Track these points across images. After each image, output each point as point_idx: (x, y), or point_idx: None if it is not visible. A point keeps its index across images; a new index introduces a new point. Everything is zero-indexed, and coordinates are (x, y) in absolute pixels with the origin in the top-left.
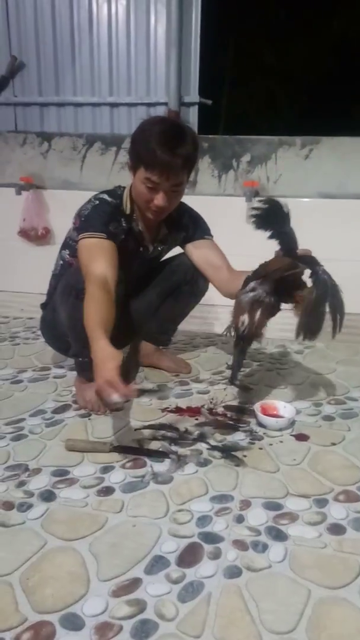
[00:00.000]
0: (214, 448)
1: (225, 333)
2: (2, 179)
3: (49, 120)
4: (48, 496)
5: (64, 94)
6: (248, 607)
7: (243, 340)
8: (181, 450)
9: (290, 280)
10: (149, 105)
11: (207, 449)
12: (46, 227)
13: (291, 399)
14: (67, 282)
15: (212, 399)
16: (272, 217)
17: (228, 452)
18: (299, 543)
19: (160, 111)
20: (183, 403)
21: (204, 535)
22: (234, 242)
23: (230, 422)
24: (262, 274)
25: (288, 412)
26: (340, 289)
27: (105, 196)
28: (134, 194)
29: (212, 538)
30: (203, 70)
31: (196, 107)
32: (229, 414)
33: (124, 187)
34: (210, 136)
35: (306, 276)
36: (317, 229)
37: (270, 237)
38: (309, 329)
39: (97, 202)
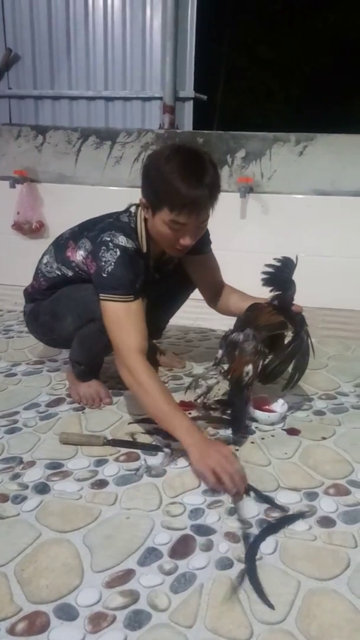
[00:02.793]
0: None
1: (217, 368)
2: None
3: (44, 114)
4: (42, 488)
5: (59, 87)
6: (239, 598)
7: (246, 388)
8: (174, 444)
9: (275, 337)
10: (144, 99)
11: None
12: (40, 221)
13: (283, 394)
14: (86, 307)
15: (206, 393)
16: (281, 278)
17: None
18: (290, 535)
19: (156, 106)
20: (176, 397)
21: (196, 527)
22: (228, 238)
23: (223, 416)
24: (252, 324)
25: (280, 407)
26: (312, 352)
27: (123, 241)
28: (154, 234)
29: (204, 530)
30: (198, 64)
31: (191, 102)
32: (221, 408)
33: (134, 216)
34: (205, 132)
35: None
36: (310, 225)
37: (273, 299)
38: (268, 375)
39: (118, 252)
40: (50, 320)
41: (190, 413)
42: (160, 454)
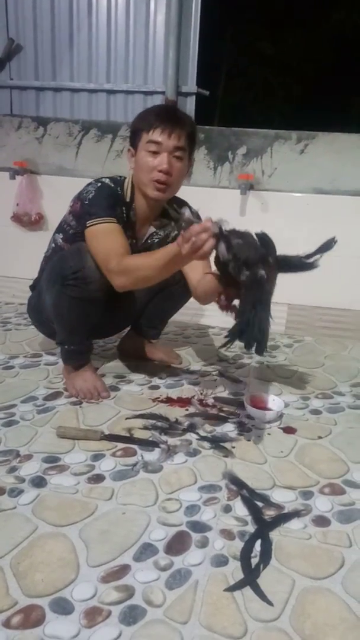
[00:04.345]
0: (203, 438)
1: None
2: None
3: (45, 105)
4: (39, 482)
5: (60, 78)
6: (234, 595)
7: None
8: (171, 440)
9: None
10: (146, 93)
11: (197, 439)
12: (39, 213)
13: (280, 392)
14: (53, 269)
15: (203, 390)
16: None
17: (217, 442)
18: (285, 534)
19: (158, 100)
20: (174, 394)
21: (192, 524)
22: None
23: (220, 414)
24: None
25: (277, 405)
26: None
27: (107, 180)
28: (136, 173)
29: (200, 527)
30: (200, 59)
31: (193, 97)
32: (218, 405)
33: (125, 177)
34: (206, 127)
35: None
36: (309, 223)
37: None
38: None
39: (99, 184)
40: (38, 300)
41: (187, 409)
42: (157, 449)
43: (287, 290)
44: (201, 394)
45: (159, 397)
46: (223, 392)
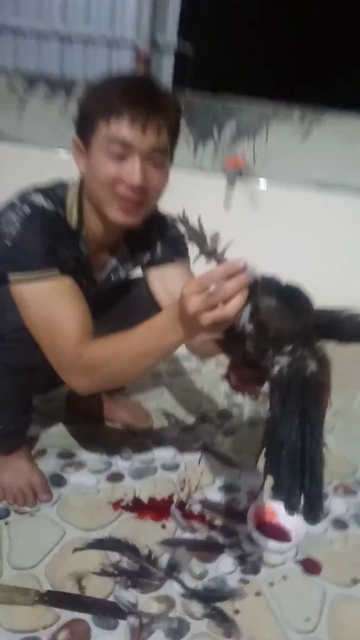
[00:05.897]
0: (191, 594)
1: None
2: None
3: None
4: None
5: (2, 13)
6: None
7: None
8: (143, 602)
9: None
10: (110, 43)
11: (182, 594)
12: None
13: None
14: None
15: (183, 482)
16: None
17: (212, 602)
18: None
19: (125, 54)
20: (144, 489)
21: None
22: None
23: (212, 540)
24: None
25: (296, 528)
26: None
27: (40, 199)
28: (91, 183)
29: None
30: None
31: (171, 53)
32: (207, 515)
33: (67, 185)
34: (186, 94)
35: None
36: (308, 225)
37: None
38: None
39: (28, 209)
40: None
41: (164, 526)
42: (123, 624)
43: None
44: (182, 489)
45: (122, 500)
46: (212, 486)
